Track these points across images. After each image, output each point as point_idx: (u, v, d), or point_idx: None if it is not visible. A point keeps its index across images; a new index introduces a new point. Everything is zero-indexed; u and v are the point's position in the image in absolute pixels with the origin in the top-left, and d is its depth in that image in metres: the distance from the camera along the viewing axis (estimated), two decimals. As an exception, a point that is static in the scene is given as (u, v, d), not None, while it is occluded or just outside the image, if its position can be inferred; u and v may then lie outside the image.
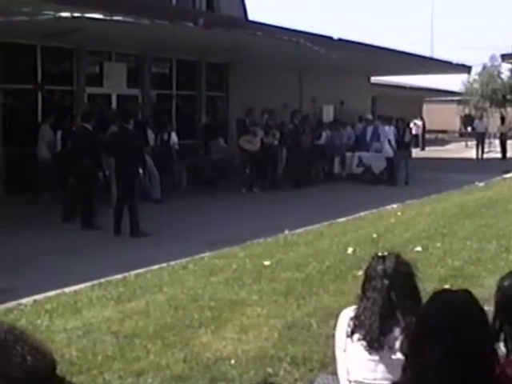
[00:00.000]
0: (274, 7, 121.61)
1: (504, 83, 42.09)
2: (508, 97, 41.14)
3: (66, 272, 9.02)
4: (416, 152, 28.45)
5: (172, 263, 9.40)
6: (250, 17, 24.79)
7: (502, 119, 33.76)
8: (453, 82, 41.88)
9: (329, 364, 5.21)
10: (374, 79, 31.99)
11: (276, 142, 19.49)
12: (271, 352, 5.94)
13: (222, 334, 6.42)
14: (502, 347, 2.99)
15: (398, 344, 3.57)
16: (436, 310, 2.42)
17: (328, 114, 26.20)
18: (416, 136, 34.26)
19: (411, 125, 24.47)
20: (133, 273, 8.83)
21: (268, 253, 10.10)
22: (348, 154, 21.62)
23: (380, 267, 3.71)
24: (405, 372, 2.48)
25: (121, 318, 6.92)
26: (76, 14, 11.89)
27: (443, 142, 44.22)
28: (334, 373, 3.98)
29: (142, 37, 15.52)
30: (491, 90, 41.30)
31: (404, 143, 21.44)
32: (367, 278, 3.78)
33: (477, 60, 67.13)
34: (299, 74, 24.41)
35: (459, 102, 46.75)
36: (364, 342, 3.65)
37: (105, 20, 12.16)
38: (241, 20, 21.60)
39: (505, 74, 42.38)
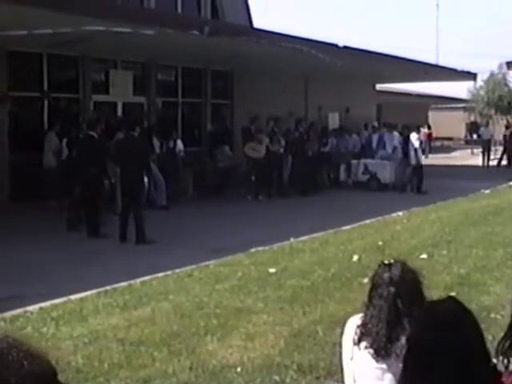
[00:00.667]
0: (279, 15, 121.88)
1: (510, 90, 42.04)
2: (513, 104, 41.09)
3: (72, 279, 9.02)
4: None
5: (177, 271, 9.40)
6: (255, 24, 24.86)
7: (508, 127, 33.69)
8: (458, 89, 41.88)
9: (335, 372, 5.20)
10: (379, 87, 31.99)
11: (281, 150, 19.50)
12: (277, 360, 5.94)
13: (227, 342, 6.41)
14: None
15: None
16: (428, 335, 2.35)
17: (333, 121, 26.20)
18: (421, 143, 34.15)
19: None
20: (138, 280, 8.84)
21: (273, 260, 10.10)
22: (354, 162, 21.62)
23: (386, 275, 3.70)
24: None
25: (127, 325, 6.93)
26: (84, 28, 11.95)
27: (449, 150, 44.19)
28: (341, 380, 3.98)
29: (147, 45, 15.56)
30: (497, 97, 41.26)
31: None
32: (373, 286, 3.78)
33: (482, 67, 67.05)
34: (305, 81, 24.44)
35: (465, 109, 46.71)
36: (371, 350, 3.65)
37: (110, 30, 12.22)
38: (246, 28, 21.65)
39: (511, 82, 42.34)
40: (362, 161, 21.45)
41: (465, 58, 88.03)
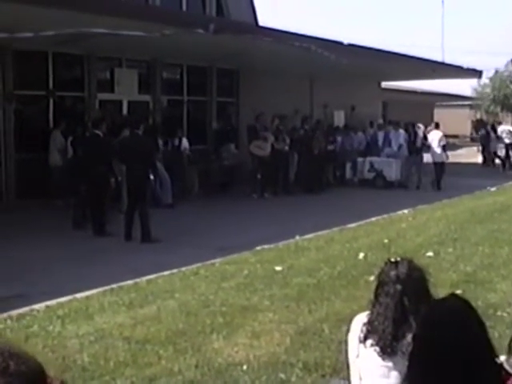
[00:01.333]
0: (284, 12, 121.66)
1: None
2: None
3: (78, 278, 9.04)
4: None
5: (183, 269, 9.40)
6: (260, 22, 24.83)
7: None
8: (464, 86, 41.83)
9: (341, 369, 5.20)
10: (384, 84, 31.94)
11: (286, 148, 19.49)
12: (283, 358, 5.93)
13: (233, 340, 6.41)
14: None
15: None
16: (433, 333, 2.33)
17: (339, 119, 26.18)
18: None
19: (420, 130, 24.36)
20: (144, 278, 8.85)
21: (279, 258, 10.09)
22: (359, 160, 21.59)
23: (393, 272, 3.69)
24: None
25: (133, 323, 6.93)
26: (91, 29, 11.97)
27: (454, 147, 44.07)
28: (347, 378, 3.97)
29: (152, 43, 15.55)
30: (503, 95, 41.22)
31: (415, 148, 21.41)
32: (380, 284, 3.76)
33: (486, 65, 66.93)
34: (310, 79, 24.41)
35: (471, 107, 46.68)
36: (377, 348, 3.64)
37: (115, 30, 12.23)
38: (251, 25, 21.64)
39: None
40: (368, 159, 21.42)
41: (469, 55, 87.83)
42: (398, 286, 3.64)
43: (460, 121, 49.99)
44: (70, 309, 7.48)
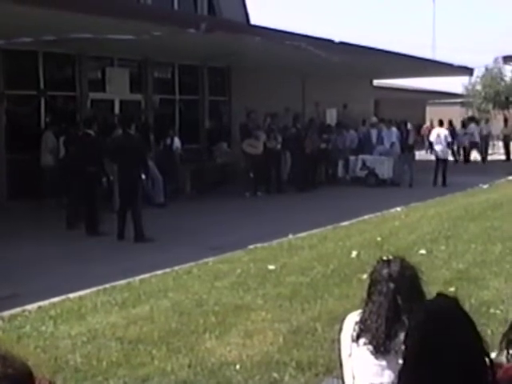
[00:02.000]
0: (276, 11, 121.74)
1: (507, 85, 42.08)
2: (511, 98, 41.13)
3: (71, 278, 9.01)
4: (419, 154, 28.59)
5: (176, 268, 9.39)
6: (252, 21, 24.83)
7: (506, 121, 33.75)
8: (456, 84, 41.95)
9: (334, 368, 5.18)
10: (376, 82, 31.98)
11: (279, 146, 19.48)
12: (276, 357, 5.92)
13: (226, 339, 6.40)
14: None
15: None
16: (423, 333, 2.32)
17: (331, 117, 26.19)
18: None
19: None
20: (137, 278, 8.83)
21: (272, 257, 10.09)
22: (352, 158, 21.60)
23: (385, 271, 3.69)
24: None
25: (125, 323, 6.91)
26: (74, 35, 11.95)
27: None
28: (340, 377, 3.96)
29: (144, 42, 15.51)
30: (494, 92, 41.30)
31: (408, 146, 21.48)
32: (372, 282, 3.76)
33: (477, 62, 67.09)
34: (302, 77, 24.40)
35: (462, 105, 46.74)
36: (370, 347, 3.63)
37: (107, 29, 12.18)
38: (243, 24, 21.63)
39: (508, 76, 42.40)
40: (360, 156, 21.43)
41: (459, 52, 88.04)
42: (391, 285, 3.64)
43: (452, 118, 49.99)
44: (62, 309, 7.45)
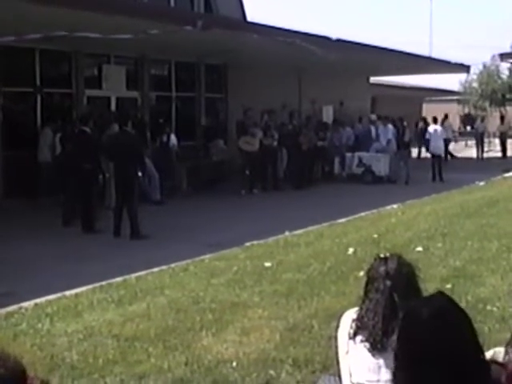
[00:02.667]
0: (273, 8, 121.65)
1: (503, 82, 42.13)
2: (507, 96, 41.19)
3: (67, 275, 9.00)
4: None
5: (173, 265, 9.38)
6: (249, 18, 24.79)
7: (502, 118, 33.80)
8: (453, 81, 42.06)
9: (331, 366, 5.18)
10: (373, 79, 31.98)
11: (275, 143, 19.47)
12: (273, 354, 5.92)
13: (223, 337, 6.40)
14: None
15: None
16: (416, 331, 2.31)
17: (327, 114, 26.17)
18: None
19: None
20: (133, 275, 8.82)
21: (269, 254, 10.08)
22: (348, 155, 21.60)
23: (382, 268, 3.68)
24: None
25: (122, 321, 6.90)
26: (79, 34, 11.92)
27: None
28: (337, 374, 3.95)
29: (140, 40, 15.49)
30: (491, 89, 41.34)
31: (404, 143, 21.52)
32: (369, 280, 3.75)
33: (473, 59, 67.09)
34: (298, 74, 24.38)
35: (459, 102, 46.81)
36: (367, 344, 3.62)
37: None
38: (239, 21, 21.60)
39: (504, 74, 42.44)
40: (357, 154, 21.43)
41: (455, 49, 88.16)
42: (388, 282, 3.63)
43: (449, 115, 50.04)
44: (58, 306, 7.44)
